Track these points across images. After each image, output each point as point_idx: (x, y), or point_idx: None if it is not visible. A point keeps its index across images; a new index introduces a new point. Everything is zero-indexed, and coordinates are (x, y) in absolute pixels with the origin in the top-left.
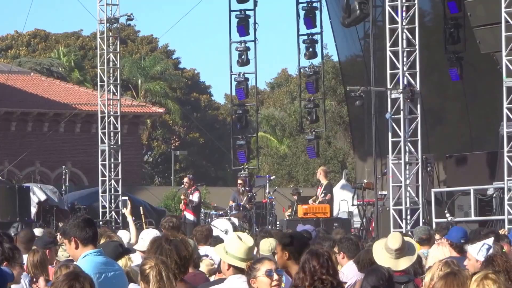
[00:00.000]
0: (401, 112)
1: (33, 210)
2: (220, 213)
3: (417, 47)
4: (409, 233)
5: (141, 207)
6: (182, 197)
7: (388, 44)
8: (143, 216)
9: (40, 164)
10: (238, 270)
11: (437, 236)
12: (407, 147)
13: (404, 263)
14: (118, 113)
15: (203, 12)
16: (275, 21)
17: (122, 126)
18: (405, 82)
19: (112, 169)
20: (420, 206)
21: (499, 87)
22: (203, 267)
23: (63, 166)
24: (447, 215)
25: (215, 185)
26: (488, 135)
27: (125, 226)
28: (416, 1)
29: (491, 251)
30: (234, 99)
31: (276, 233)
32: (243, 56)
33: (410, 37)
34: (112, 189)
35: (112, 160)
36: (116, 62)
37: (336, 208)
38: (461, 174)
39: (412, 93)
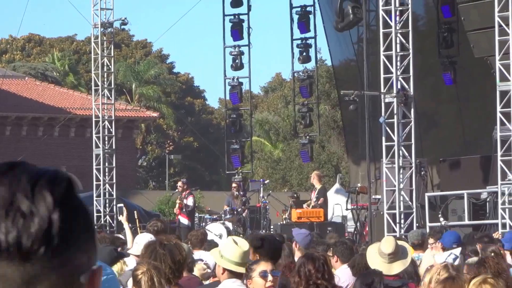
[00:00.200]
0: (395, 116)
1: None
2: (215, 217)
3: (410, 51)
4: (403, 237)
5: (135, 212)
6: (178, 201)
7: (381, 49)
8: (137, 220)
9: None
10: (233, 274)
11: (430, 240)
12: (400, 151)
13: (397, 267)
14: (113, 118)
15: (197, 16)
16: (269, 25)
17: (117, 130)
18: (399, 86)
19: (107, 173)
20: (414, 210)
21: (492, 91)
22: (196, 271)
23: None
24: (441, 219)
25: (209, 189)
26: (481, 139)
27: (120, 230)
28: (409, 6)
29: (457, 261)
30: (228, 103)
31: (249, 236)
32: (237, 61)
33: (404, 41)
34: (107, 193)
35: (106, 164)
36: (110, 66)
37: (330, 212)
38: (455, 178)
39: (405, 97)
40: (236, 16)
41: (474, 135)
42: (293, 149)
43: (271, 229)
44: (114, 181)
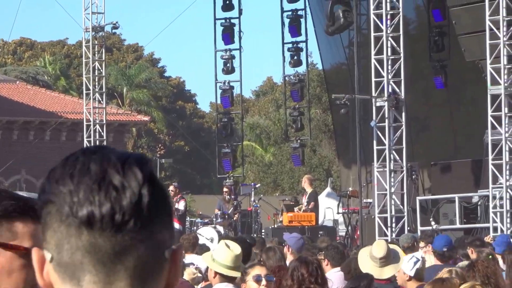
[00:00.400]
0: (386, 120)
1: None
2: (206, 221)
3: (401, 55)
4: (395, 241)
5: None
6: None
7: (373, 52)
8: None
9: (26, 173)
10: (224, 278)
11: (421, 244)
12: (392, 155)
13: (388, 271)
14: (104, 122)
15: (189, 20)
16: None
17: (108, 134)
18: (390, 90)
19: None
20: (405, 214)
21: (483, 95)
22: (186, 276)
23: None
24: (432, 223)
25: (201, 193)
26: (473, 143)
27: None
28: (400, 9)
29: (418, 264)
30: (219, 107)
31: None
32: (228, 64)
33: (395, 45)
34: None
35: None
36: (101, 70)
37: (321, 216)
38: (446, 182)
39: (396, 101)
40: (227, 20)
41: (465, 139)
42: (284, 153)
43: (262, 233)
44: None
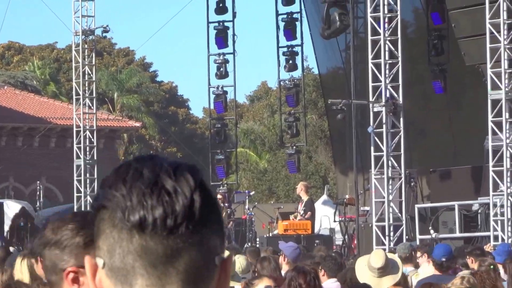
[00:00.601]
0: (384, 126)
1: (6, 228)
2: None
3: (399, 59)
4: (393, 250)
5: None
6: None
7: (370, 56)
8: None
9: (14, 180)
10: None
11: (418, 254)
12: (390, 162)
13: (387, 282)
14: (94, 127)
15: (181, 24)
16: (255, 32)
17: (98, 140)
18: (388, 95)
19: (88, 185)
20: (404, 222)
21: (483, 100)
22: None
23: (38, 182)
24: (431, 231)
25: None
26: (473, 149)
27: None
28: (398, 12)
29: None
30: (213, 112)
31: None
32: (221, 69)
33: (393, 48)
34: (88, 206)
35: (87, 175)
36: (91, 75)
37: (317, 224)
38: (445, 189)
39: (394, 106)
40: (221, 23)
41: (465, 145)
42: (280, 160)
43: (257, 242)
44: (96, 192)
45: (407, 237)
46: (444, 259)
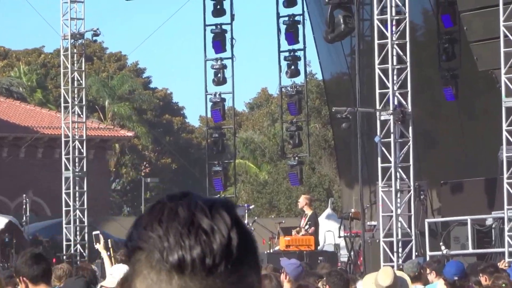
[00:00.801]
0: (392, 135)
1: None
2: None
3: (408, 64)
4: (402, 267)
5: (109, 240)
6: None
7: (377, 61)
8: (111, 249)
9: None
10: None
11: (427, 270)
12: (398, 173)
13: None
14: (84, 137)
15: (176, 27)
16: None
17: (88, 151)
18: (396, 103)
19: (77, 198)
20: (413, 237)
21: (497, 108)
22: None
23: (24, 195)
24: (442, 247)
25: None
26: (486, 160)
27: (92, 260)
28: (407, 15)
29: None
30: (210, 121)
31: None
32: (219, 75)
33: (401, 53)
34: (77, 220)
35: (77, 188)
36: (81, 81)
37: (321, 240)
38: (457, 203)
39: (403, 114)
40: (218, 26)
41: (478, 156)
42: (281, 171)
43: None
44: (85, 206)
45: (416, 253)
46: (456, 278)
